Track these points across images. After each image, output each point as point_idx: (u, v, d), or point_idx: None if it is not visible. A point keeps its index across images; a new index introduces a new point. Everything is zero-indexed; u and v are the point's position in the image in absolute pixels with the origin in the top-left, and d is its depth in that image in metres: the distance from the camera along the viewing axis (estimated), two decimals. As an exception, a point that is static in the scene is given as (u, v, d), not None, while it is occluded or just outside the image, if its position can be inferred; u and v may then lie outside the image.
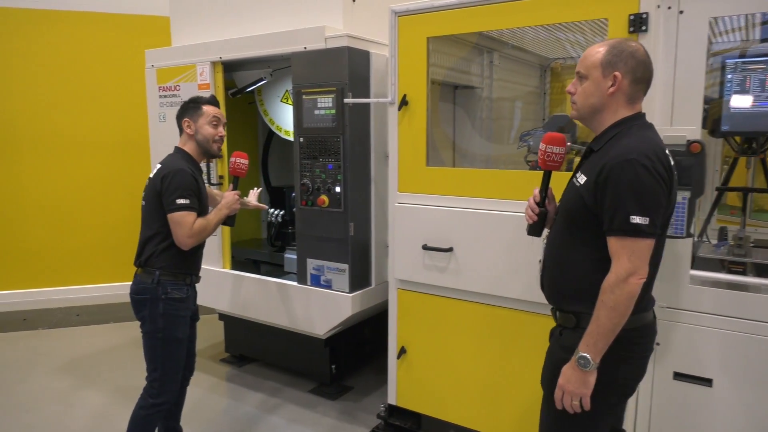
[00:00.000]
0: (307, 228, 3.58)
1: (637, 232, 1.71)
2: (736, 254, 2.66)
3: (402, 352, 3.19)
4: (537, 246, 2.44)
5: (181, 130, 2.85)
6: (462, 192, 2.91)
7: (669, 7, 2.32)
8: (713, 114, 2.60)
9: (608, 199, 1.75)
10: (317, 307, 3.58)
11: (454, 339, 3.01)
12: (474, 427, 3.01)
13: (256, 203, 3.38)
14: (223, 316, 4.43)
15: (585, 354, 1.78)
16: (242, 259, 4.42)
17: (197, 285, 2.92)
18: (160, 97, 4.20)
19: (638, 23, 2.31)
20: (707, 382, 2.41)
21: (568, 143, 3.16)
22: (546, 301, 2.10)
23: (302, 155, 3.52)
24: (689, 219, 2.25)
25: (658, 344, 2.49)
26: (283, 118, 4.13)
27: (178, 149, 2.85)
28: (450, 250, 2.92)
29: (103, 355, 4.74)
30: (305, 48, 3.41)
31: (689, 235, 2.28)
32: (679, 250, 2.40)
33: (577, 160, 2.42)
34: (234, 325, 4.43)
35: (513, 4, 2.65)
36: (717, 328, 2.37)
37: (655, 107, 2.39)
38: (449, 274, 2.95)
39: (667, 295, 2.45)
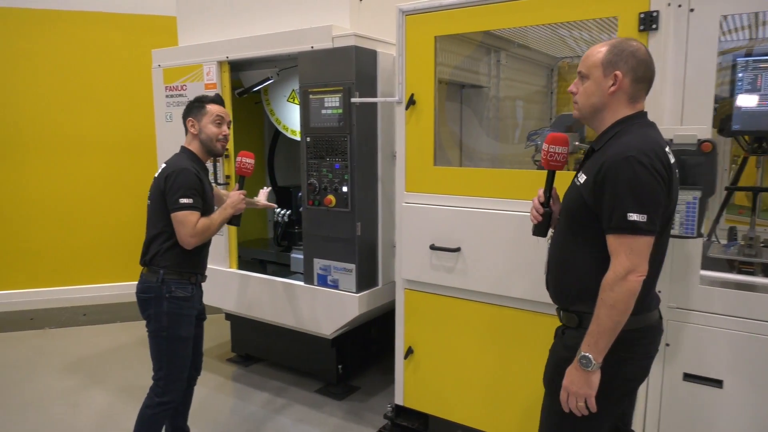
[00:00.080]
0: (314, 228, 3.57)
1: (635, 229, 1.71)
2: (747, 254, 2.64)
3: (409, 352, 3.18)
4: (544, 246, 2.42)
5: (187, 130, 2.85)
6: (470, 192, 2.90)
7: (679, 5, 2.30)
8: (722, 112, 2.58)
9: (606, 198, 1.75)
10: (324, 307, 3.57)
11: (462, 339, 3.00)
12: (482, 428, 3.00)
13: (265, 202, 3.38)
14: (229, 316, 4.43)
15: (587, 354, 1.78)
16: (248, 259, 4.42)
17: (204, 284, 2.92)
18: (167, 96, 4.21)
19: (648, 21, 2.29)
20: (717, 383, 2.39)
21: (576, 142, 3.17)
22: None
23: (309, 155, 3.52)
24: (700, 219, 2.23)
25: (667, 345, 2.48)
26: (290, 118, 4.13)
27: (183, 149, 2.85)
28: (457, 250, 2.91)
29: (110, 354, 4.75)
30: (312, 47, 3.41)
31: (700, 235, 2.27)
32: (689, 250, 2.38)
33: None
34: (240, 325, 4.43)
35: (521, 3, 2.63)
36: (727, 328, 2.35)
37: (665, 106, 2.37)
38: (456, 274, 2.94)
39: (676, 295, 2.43)
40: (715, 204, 3.05)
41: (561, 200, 2.11)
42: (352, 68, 3.26)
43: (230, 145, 3.86)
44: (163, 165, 2.77)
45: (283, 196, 4.43)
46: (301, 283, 3.68)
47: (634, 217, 1.70)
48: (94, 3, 6.09)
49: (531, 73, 4.20)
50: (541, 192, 2.14)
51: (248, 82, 4.24)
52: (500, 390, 2.91)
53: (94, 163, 6.28)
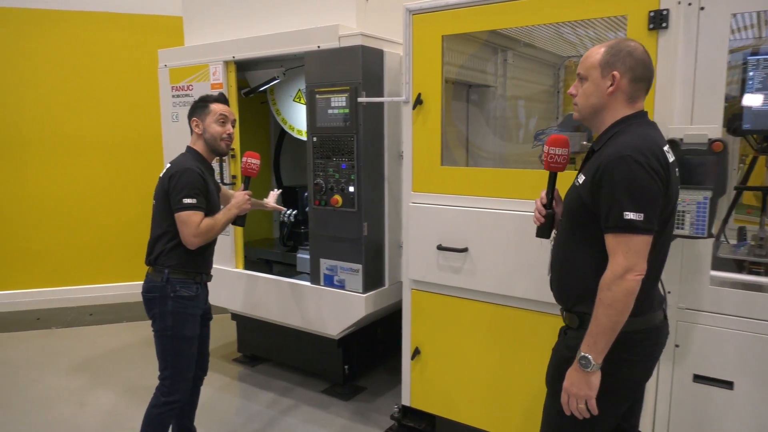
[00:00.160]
0: (320, 228, 3.57)
1: (631, 228, 1.70)
2: (757, 255, 2.61)
3: (416, 353, 3.17)
4: (549, 247, 2.41)
5: (192, 130, 2.85)
6: (477, 192, 2.88)
7: (689, 3, 2.28)
8: (730, 111, 2.55)
9: (604, 197, 1.75)
10: (330, 307, 3.56)
11: (469, 340, 2.99)
12: (489, 429, 2.99)
13: (274, 205, 3.37)
14: (235, 316, 4.43)
15: (586, 354, 1.77)
16: (254, 259, 4.42)
17: (210, 284, 2.92)
18: (173, 96, 4.21)
19: (658, 20, 2.27)
20: (728, 384, 2.37)
21: (584, 142, 3.15)
22: (560, 302, 2.08)
23: (315, 155, 3.51)
24: (711, 219, 2.21)
25: (677, 346, 2.46)
26: (296, 118, 4.12)
27: (189, 149, 2.85)
28: (465, 250, 2.89)
29: (116, 354, 4.76)
30: (318, 47, 3.40)
31: (711, 235, 2.25)
32: (699, 250, 2.37)
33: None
34: (246, 325, 4.42)
35: (530, 1, 2.62)
36: (738, 329, 2.33)
37: (675, 105, 2.35)
38: (464, 274, 2.93)
39: (686, 296, 2.41)
40: (723, 204, 3.03)
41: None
42: (359, 68, 3.25)
43: (236, 145, 3.86)
44: (168, 165, 2.77)
45: (288, 196, 4.43)
46: (308, 284, 3.67)
47: (630, 215, 1.69)
48: (100, 3, 6.10)
49: (538, 72, 4.18)
50: (543, 194, 2.15)
51: (254, 82, 4.23)
52: (508, 391, 2.89)
53: (100, 163, 6.29)
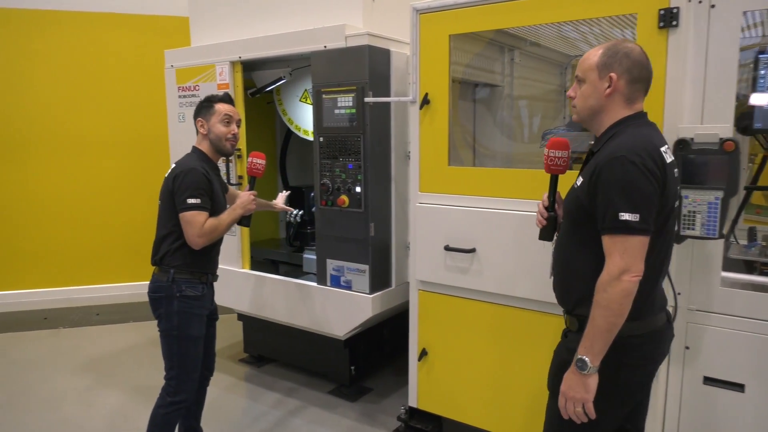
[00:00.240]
0: (327, 228, 3.56)
1: (627, 228, 1.69)
2: (768, 255, 2.59)
3: (423, 354, 3.16)
4: (551, 249, 2.40)
5: (197, 130, 2.85)
6: (484, 192, 2.86)
7: (700, 1, 2.26)
8: (740, 110, 2.53)
9: (599, 198, 1.75)
10: (337, 308, 3.55)
11: (476, 341, 2.97)
12: (496, 431, 2.96)
13: (283, 206, 3.37)
14: (241, 317, 4.43)
15: (583, 356, 1.76)
16: (261, 259, 4.41)
17: (216, 284, 2.91)
18: (180, 97, 4.21)
19: (668, 18, 2.25)
20: (739, 387, 2.35)
21: (591, 142, 3.13)
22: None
23: (322, 155, 3.50)
24: (722, 220, 2.19)
25: (687, 348, 2.44)
26: (302, 118, 4.11)
27: (194, 149, 2.85)
28: (473, 251, 2.88)
29: (123, 354, 4.76)
30: (325, 47, 3.39)
31: (722, 236, 2.22)
32: (709, 251, 2.34)
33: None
34: (253, 326, 4.42)
35: (538, 0, 2.60)
36: (749, 331, 2.31)
37: (685, 104, 2.33)
38: (471, 275, 2.91)
39: (697, 297, 2.39)
40: (732, 204, 3.00)
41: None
42: (366, 68, 3.23)
43: (242, 145, 3.86)
44: (173, 165, 2.77)
45: (295, 196, 4.42)
46: (314, 284, 3.66)
47: (626, 216, 1.69)
48: (106, 4, 6.11)
49: (545, 71, 4.16)
50: (545, 196, 2.14)
51: (261, 82, 4.23)
52: (515, 392, 2.87)
53: (107, 164, 6.30)
